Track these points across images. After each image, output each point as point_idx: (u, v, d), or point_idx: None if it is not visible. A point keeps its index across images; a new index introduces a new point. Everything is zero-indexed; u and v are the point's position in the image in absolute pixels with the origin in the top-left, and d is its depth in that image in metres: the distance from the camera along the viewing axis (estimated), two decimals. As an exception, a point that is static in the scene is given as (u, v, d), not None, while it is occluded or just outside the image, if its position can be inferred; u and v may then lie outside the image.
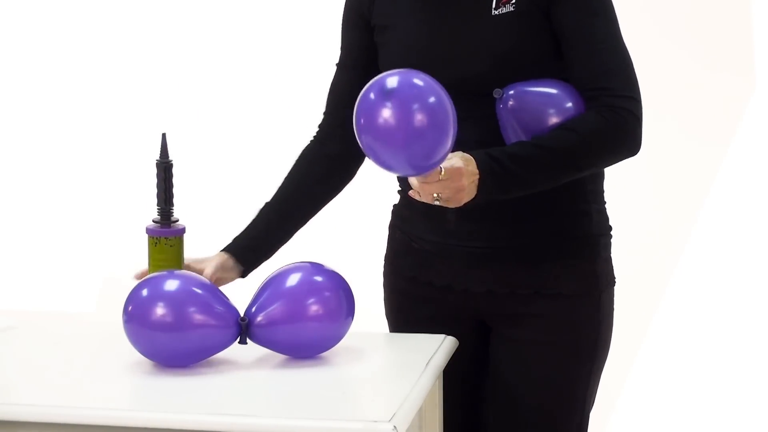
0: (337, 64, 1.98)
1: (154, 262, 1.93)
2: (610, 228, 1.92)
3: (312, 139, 2.01)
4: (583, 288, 1.86)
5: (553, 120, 1.75)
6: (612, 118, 1.74)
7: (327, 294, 1.74)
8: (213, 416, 1.55)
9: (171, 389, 1.65)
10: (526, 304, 1.86)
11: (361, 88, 1.67)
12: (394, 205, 2.00)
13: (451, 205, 1.68)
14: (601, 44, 1.76)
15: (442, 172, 1.64)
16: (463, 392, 1.96)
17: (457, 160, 1.66)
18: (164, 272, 1.76)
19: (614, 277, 1.93)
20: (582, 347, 1.88)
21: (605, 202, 1.92)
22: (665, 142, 3.22)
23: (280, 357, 1.77)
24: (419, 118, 1.57)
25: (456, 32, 1.80)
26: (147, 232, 1.94)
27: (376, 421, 1.50)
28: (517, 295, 1.86)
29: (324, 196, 1.98)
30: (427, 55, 1.81)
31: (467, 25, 1.79)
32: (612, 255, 1.94)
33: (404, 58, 1.82)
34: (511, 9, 1.77)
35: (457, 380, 1.90)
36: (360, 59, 1.93)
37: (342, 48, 1.97)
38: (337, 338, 1.77)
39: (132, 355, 1.75)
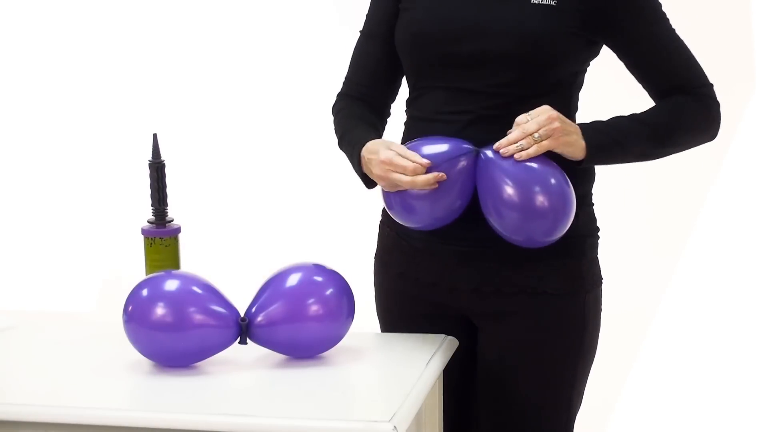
0: (362, 32, 1.96)
1: (151, 262, 1.93)
2: (598, 229, 1.93)
3: (339, 99, 1.98)
4: (569, 288, 1.87)
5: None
6: (701, 101, 1.85)
7: (327, 294, 1.74)
8: (213, 416, 1.55)
9: (171, 389, 1.65)
10: (511, 303, 1.86)
11: (388, 58, 1.86)
12: None
13: (553, 145, 1.72)
14: (669, 47, 1.84)
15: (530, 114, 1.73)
16: (455, 387, 1.96)
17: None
18: (164, 272, 1.76)
19: (601, 278, 1.93)
20: (568, 347, 1.88)
21: (593, 204, 1.93)
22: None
23: (280, 357, 1.77)
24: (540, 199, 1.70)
25: (489, 9, 1.80)
26: (142, 233, 1.94)
27: (376, 421, 1.50)
28: (502, 293, 1.86)
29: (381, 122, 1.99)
30: (453, 25, 1.81)
31: (502, 5, 1.79)
32: (609, 256, 1.94)
33: (427, 24, 1.83)
34: (552, 3, 1.78)
35: (449, 376, 1.91)
36: (390, 29, 1.90)
37: (370, 16, 1.95)
38: (337, 338, 1.77)
39: (132, 355, 1.75)
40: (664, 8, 1.85)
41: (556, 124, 1.72)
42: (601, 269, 1.94)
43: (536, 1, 1.78)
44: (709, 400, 3.24)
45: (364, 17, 1.97)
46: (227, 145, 3.56)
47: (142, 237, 1.95)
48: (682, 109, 1.83)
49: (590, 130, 1.78)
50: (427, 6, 1.84)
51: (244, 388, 1.67)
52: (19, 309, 3.52)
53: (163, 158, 1.94)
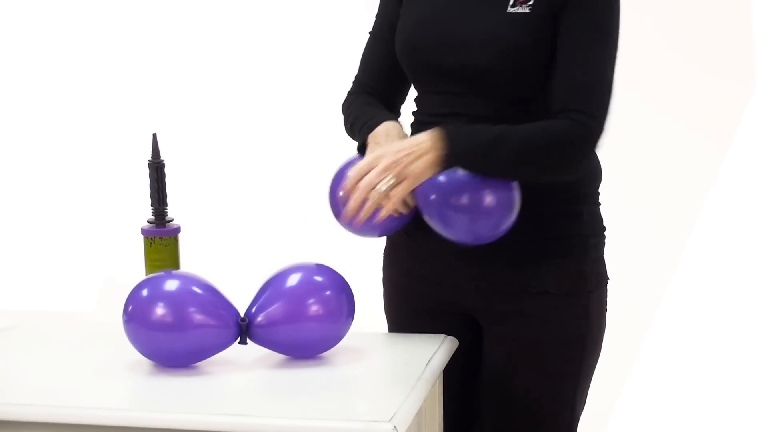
0: (371, 33, 1.98)
1: (150, 262, 1.93)
2: (604, 228, 1.92)
3: (349, 96, 1.99)
4: (570, 287, 1.86)
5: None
6: (574, 127, 1.71)
7: (327, 294, 1.74)
8: (213, 416, 1.55)
9: (171, 389, 1.65)
10: (514, 302, 1.86)
11: (394, 59, 1.86)
12: None
13: (411, 183, 1.68)
14: (588, 56, 1.73)
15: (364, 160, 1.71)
16: (457, 385, 1.97)
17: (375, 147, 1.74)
18: (164, 272, 1.76)
19: (606, 278, 1.92)
20: (570, 346, 1.88)
21: (599, 204, 1.92)
22: (666, 142, 3.22)
23: (280, 357, 1.77)
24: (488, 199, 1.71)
25: (470, 21, 1.80)
26: (142, 233, 1.94)
27: (376, 421, 1.50)
28: (505, 292, 1.86)
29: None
30: (435, 37, 1.82)
31: (482, 16, 1.80)
32: (610, 255, 1.94)
33: (414, 34, 1.85)
34: (527, 10, 1.77)
35: (452, 374, 1.91)
36: (393, 32, 1.92)
37: (379, 18, 1.97)
38: (338, 338, 1.77)
39: (132, 355, 1.75)
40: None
41: (401, 162, 1.67)
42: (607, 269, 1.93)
43: (512, 10, 1.78)
44: (710, 401, 3.24)
45: (364, 19, 1.98)
46: (227, 145, 3.56)
47: (141, 237, 1.95)
48: (543, 131, 1.71)
49: (440, 129, 1.71)
50: (415, 16, 1.86)
51: (244, 388, 1.67)
52: (19, 309, 3.52)
53: (162, 158, 1.94)
